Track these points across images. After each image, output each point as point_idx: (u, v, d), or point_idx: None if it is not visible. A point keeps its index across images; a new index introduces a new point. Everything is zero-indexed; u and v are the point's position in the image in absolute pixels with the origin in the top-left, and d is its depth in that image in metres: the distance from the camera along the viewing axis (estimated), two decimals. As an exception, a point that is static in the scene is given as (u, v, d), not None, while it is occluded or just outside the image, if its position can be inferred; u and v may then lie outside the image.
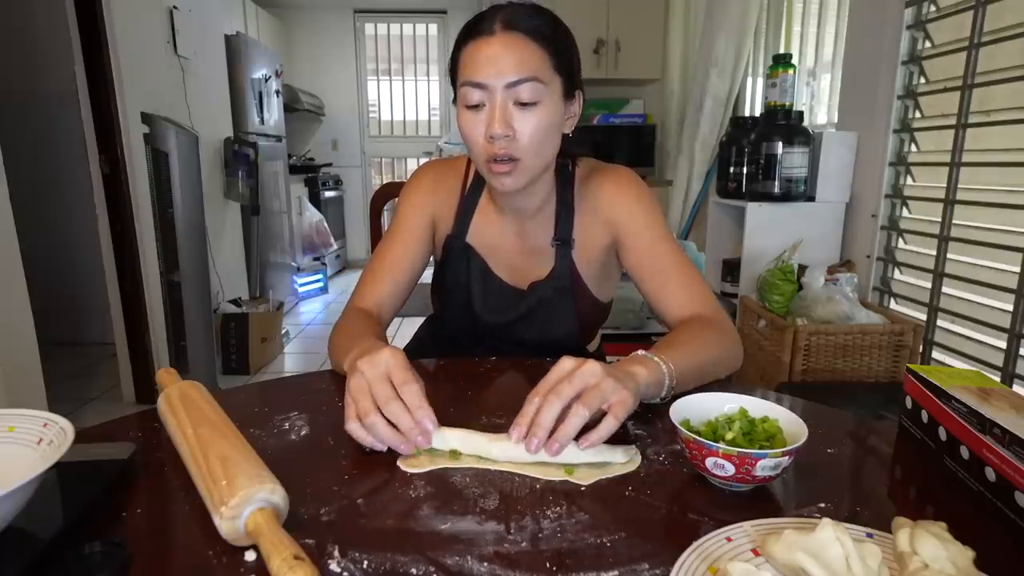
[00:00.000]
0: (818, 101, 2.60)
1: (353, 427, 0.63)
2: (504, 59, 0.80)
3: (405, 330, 3.30)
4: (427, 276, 1.11)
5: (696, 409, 0.65)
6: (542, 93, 0.82)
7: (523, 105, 0.81)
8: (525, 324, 1.00)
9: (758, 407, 0.65)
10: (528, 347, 1.03)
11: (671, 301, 0.90)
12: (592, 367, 0.62)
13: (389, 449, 0.65)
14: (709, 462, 0.57)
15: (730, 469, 0.56)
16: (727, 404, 0.66)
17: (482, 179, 1.00)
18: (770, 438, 0.60)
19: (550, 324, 1.00)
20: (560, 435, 0.60)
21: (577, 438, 0.61)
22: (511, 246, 1.00)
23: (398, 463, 0.63)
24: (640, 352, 0.73)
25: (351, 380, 0.65)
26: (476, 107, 0.83)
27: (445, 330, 1.13)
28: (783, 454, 0.55)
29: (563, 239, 0.96)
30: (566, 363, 0.63)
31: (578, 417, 0.59)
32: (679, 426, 0.59)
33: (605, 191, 0.95)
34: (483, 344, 1.05)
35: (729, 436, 0.60)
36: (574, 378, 0.61)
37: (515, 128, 0.82)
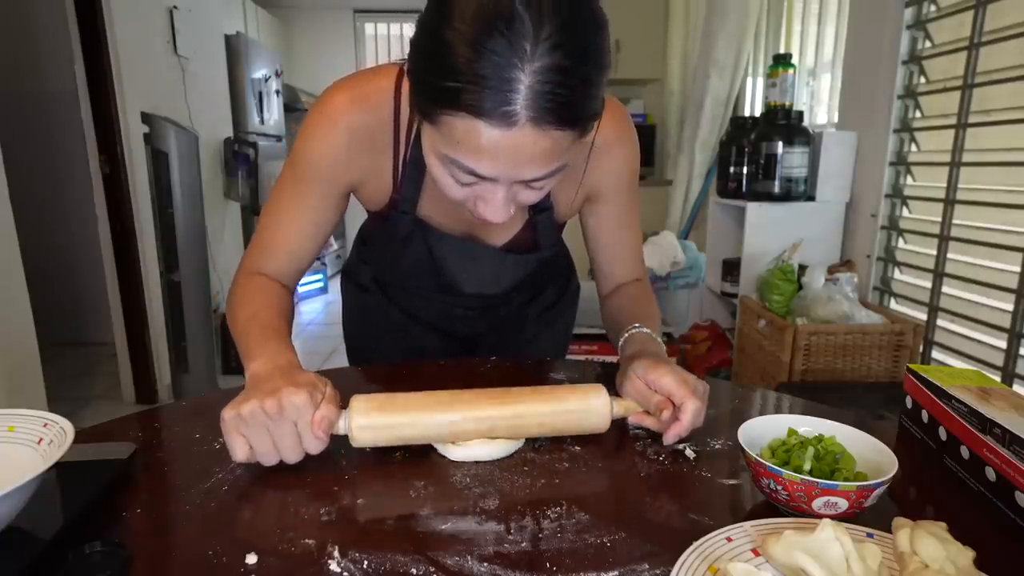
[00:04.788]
0: (818, 101, 2.60)
1: (238, 458, 0.59)
2: (523, 157, 0.56)
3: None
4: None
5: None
6: (555, 178, 0.62)
7: (530, 188, 0.63)
8: (532, 287, 1.00)
9: (797, 424, 0.62)
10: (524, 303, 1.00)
11: (623, 265, 0.95)
12: (704, 394, 0.69)
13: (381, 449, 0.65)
14: (818, 503, 0.52)
15: (843, 505, 0.51)
16: (762, 427, 0.62)
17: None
18: (838, 457, 0.57)
19: (555, 278, 1.03)
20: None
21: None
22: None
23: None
24: (646, 332, 0.80)
25: (251, 405, 0.58)
26: (465, 184, 0.62)
27: (407, 322, 1.02)
28: (892, 478, 0.52)
29: (542, 207, 0.83)
30: (698, 412, 0.67)
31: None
32: (783, 471, 0.52)
33: (603, 143, 0.79)
34: (459, 321, 1.00)
35: (806, 467, 0.55)
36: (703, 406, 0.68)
37: (519, 201, 0.65)
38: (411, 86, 0.59)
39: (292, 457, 0.60)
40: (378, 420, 0.63)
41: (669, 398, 0.66)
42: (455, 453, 0.64)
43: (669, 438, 0.66)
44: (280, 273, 0.81)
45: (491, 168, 0.57)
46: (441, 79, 0.53)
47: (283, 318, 0.75)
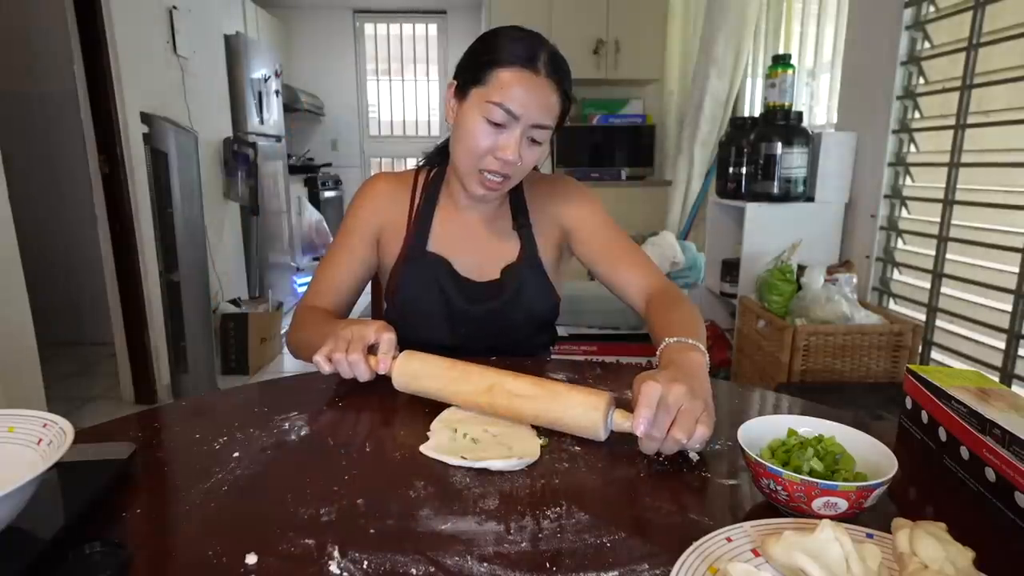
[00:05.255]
0: (817, 101, 2.60)
1: (319, 359, 0.80)
2: (540, 101, 0.89)
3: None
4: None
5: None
6: (547, 136, 0.94)
7: (532, 140, 0.93)
8: (512, 305, 1.03)
9: (797, 425, 0.62)
10: (511, 329, 1.05)
11: (632, 279, 1.01)
12: (677, 393, 0.64)
13: (393, 452, 0.65)
14: (818, 503, 0.52)
15: (843, 506, 0.51)
16: (762, 428, 0.62)
17: (434, 190, 1.07)
18: (838, 457, 0.57)
19: (534, 301, 1.05)
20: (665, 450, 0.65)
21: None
22: (477, 236, 1.06)
23: (421, 448, 0.67)
24: (682, 340, 0.77)
25: (342, 330, 0.81)
26: (495, 125, 0.90)
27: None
28: (892, 479, 0.52)
29: (524, 224, 1.06)
30: (653, 389, 0.63)
31: (677, 444, 0.63)
32: (783, 472, 0.53)
33: (554, 193, 1.07)
34: (456, 350, 1.04)
35: (807, 468, 0.55)
36: (670, 408, 0.63)
37: (521, 157, 0.92)
38: (461, 75, 0.94)
39: (357, 350, 0.79)
40: (412, 371, 0.79)
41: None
42: (473, 463, 0.64)
43: (634, 427, 0.63)
44: (328, 306, 1.02)
45: (520, 106, 0.88)
46: (497, 52, 0.90)
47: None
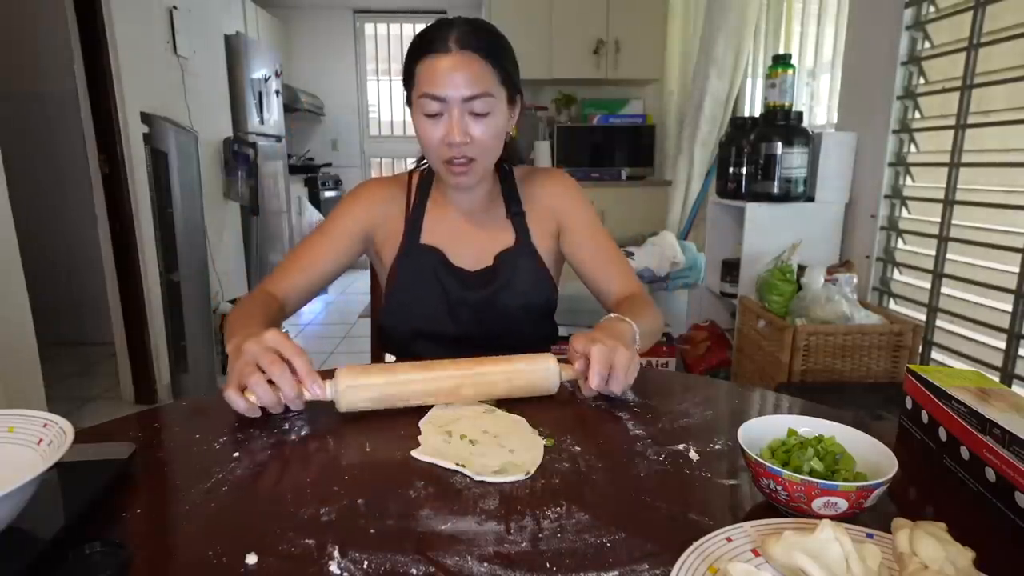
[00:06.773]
0: (818, 101, 2.60)
1: (230, 394, 0.70)
2: (460, 76, 0.90)
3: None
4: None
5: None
6: (492, 104, 0.93)
7: (477, 115, 0.93)
8: (507, 291, 1.04)
9: (797, 425, 0.62)
10: (509, 317, 1.05)
11: (612, 281, 1.05)
12: (613, 351, 0.76)
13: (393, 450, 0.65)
14: (818, 503, 0.52)
15: (843, 506, 0.51)
16: (762, 428, 0.62)
17: (426, 189, 1.09)
18: (838, 457, 0.57)
19: (529, 287, 1.05)
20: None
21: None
22: (469, 226, 1.07)
23: (413, 453, 0.67)
24: (614, 315, 0.89)
25: (237, 359, 0.72)
26: (434, 116, 0.92)
27: (409, 344, 1.09)
28: (892, 479, 0.52)
29: (517, 212, 1.07)
30: (602, 352, 0.76)
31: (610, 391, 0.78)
32: (783, 472, 0.52)
33: (547, 185, 1.09)
34: (458, 340, 1.05)
35: (807, 468, 0.55)
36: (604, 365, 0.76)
37: (471, 134, 0.93)
38: (404, 81, 0.97)
39: (288, 389, 0.70)
40: (361, 380, 0.73)
41: (585, 355, 0.77)
42: (473, 475, 0.62)
43: (591, 382, 0.75)
44: (283, 292, 0.98)
45: (443, 87, 0.90)
46: (413, 50, 0.94)
47: (265, 316, 0.88)
